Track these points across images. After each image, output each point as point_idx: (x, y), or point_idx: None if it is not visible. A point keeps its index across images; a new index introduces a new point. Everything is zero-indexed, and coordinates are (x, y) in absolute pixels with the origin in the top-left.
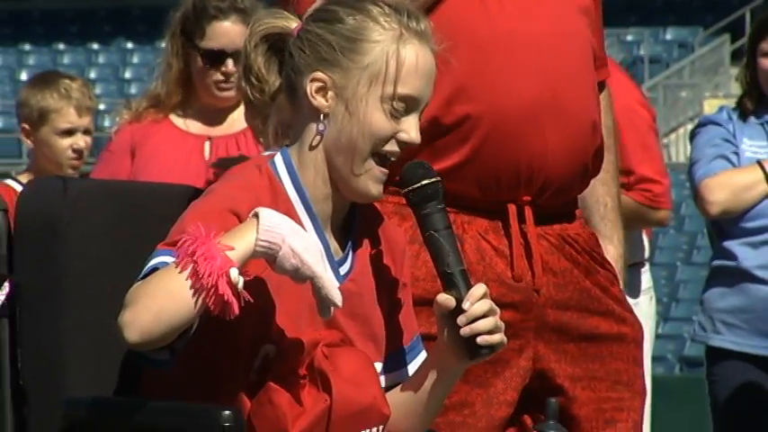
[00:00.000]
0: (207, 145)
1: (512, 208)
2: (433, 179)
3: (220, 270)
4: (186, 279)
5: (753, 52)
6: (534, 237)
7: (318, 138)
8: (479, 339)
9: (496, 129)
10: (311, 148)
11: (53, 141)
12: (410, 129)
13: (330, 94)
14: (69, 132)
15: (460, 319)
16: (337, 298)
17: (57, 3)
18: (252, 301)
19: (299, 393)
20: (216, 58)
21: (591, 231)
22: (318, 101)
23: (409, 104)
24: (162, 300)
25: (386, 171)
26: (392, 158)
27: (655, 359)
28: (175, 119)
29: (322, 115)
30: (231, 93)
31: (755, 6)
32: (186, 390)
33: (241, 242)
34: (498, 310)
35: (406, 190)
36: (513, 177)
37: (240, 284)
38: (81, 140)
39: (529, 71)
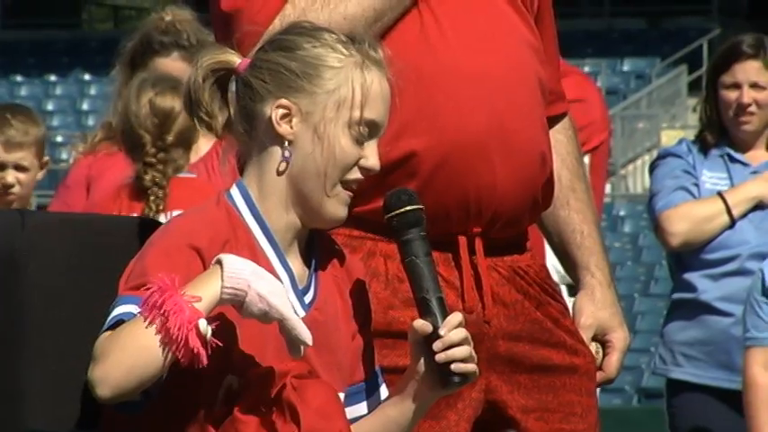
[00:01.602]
0: None
1: (462, 240)
2: (417, 206)
3: (189, 323)
4: (156, 333)
5: (713, 85)
6: (484, 268)
7: (284, 164)
8: (454, 366)
9: (444, 163)
10: (278, 173)
11: None
12: (371, 155)
13: (295, 120)
14: None
15: (436, 345)
16: (308, 338)
17: (14, 34)
18: (221, 345)
19: (266, 425)
20: None
21: (542, 263)
22: (283, 128)
23: (372, 130)
24: (132, 355)
25: (350, 194)
26: (354, 185)
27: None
28: None
29: (286, 142)
30: None
31: (713, 37)
32: (149, 423)
33: (206, 291)
34: (472, 342)
35: (389, 215)
36: (462, 210)
37: (209, 335)
38: (9, 176)
39: (474, 105)
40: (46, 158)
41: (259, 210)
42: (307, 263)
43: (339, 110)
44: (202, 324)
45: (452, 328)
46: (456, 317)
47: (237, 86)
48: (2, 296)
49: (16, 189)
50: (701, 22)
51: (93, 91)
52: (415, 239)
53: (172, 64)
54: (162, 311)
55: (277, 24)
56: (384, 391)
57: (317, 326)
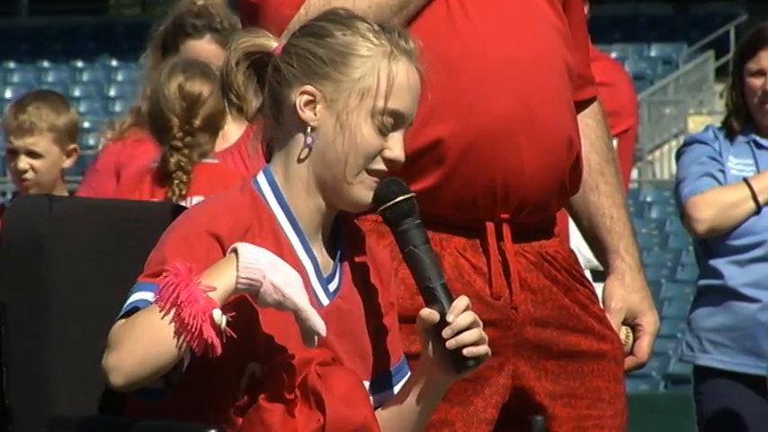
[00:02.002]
0: None
1: (489, 226)
2: (408, 195)
3: (204, 313)
4: (170, 323)
5: (739, 72)
6: (512, 254)
7: (306, 150)
8: (465, 351)
9: (471, 149)
10: (299, 161)
11: (6, 161)
12: (395, 146)
13: (319, 107)
14: (12, 153)
15: (445, 332)
16: (321, 328)
17: (40, 20)
18: (235, 336)
19: (291, 412)
20: None
21: (570, 249)
22: (307, 114)
23: (397, 121)
24: (146, 344)
25: (376, 179)
26: (379, 175)
27: (639, 376)
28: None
29: (310, 128)
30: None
31: (740, 23)
32: (173, 410)
33: (221, 280)
34: (481, 323)
35: (381, 208)
36: (489, 196)
37: (223, 324)
38: (21, 162)
39: (501, 90)
40: (73, 146)
41: (285, 196)
42: (332, 251)
43: (363, 99)
44: (217, 314)
45: (459, 313)
46: (462, 301)
47: (270, 70)
48: (28, 282)
49: (30, 175)
50: (728, 7)
51: (120, 77)
52: (411, 229)
53: (204, 46)
54: (176, 301)
55: (302, 13)
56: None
57: (340, 314)
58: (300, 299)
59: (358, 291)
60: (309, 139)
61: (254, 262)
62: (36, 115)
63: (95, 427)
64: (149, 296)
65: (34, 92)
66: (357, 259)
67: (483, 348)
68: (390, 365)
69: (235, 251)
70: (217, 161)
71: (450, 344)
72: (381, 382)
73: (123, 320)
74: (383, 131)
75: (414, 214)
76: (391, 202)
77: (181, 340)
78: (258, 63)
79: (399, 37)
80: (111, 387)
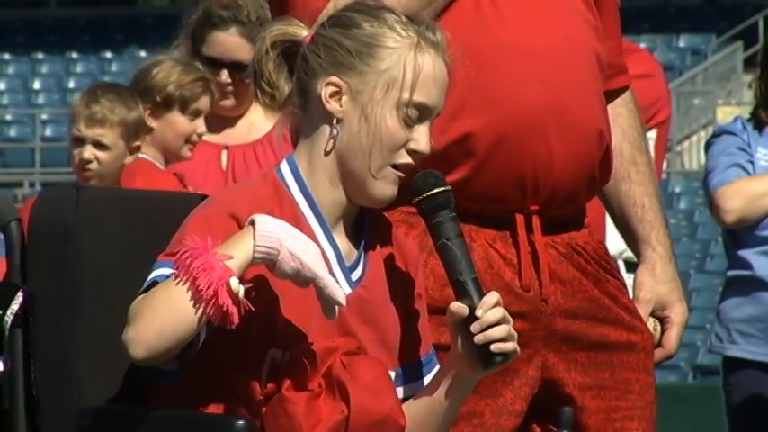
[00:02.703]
0: (224, 154)
1: (519, 218)
2: (445, 188)
3: (220, 280)
4: (186, 292)
5: (767, 63)
6: (542, 246)
7: (332, 142)
8: (493, 347)
9: (500, 142)
10: (325, 152)
11: (70, 148)
12: (421, 138)
13: (344, 98)
14: (79, 141)
15: (474, 327)
16: (341, 296)
17: (69, 11)
18: (253, 309)
19: (315, 402)
20: (210, 66)
21: (599, 240)
22: (332, 105)
23: (422, 113)
24: (164, 315)
25: (401, 174)
26: (404, 169)
27: (668, 367)
28: None
29: (335, 120)
30: (227, 102)
31: None
32: (197, 399)
33: (239, 250)
34: (511, 319)
35: (417, 199)
36: (519, 189)
37: (241, 293)
38: (86, 151)
39: (530, 82)
40: (137, 143)
41: (307, 185)
42: (356, 241)
43: (388, 91)
44: (234, 282)
45: (489, 309)
46: (492, 296)
47: (299, 60)
48: (56, 271)
49: (93, 165)
50: None
51: None
52: (446, 221)
53: (229, 38)
54: (193, 270)
55: (331, 6)
56: (432, 374)
57: (363, 303)
58: (318, 267)
59: (383, 281)
60: (335, 131)
61: (272, 231)
62: (108, 108)
63: (125, 418)
64: (168, 271)
65: (106, 83)
66: (382, 249)
67: (511, 345)
68: (420, 355)
69: (252, 222)
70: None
71: (479, 339)
72: (411, 372)
73: (142, 296)
74: (408, 123)
75: (449, 207)
76: (427, 194)
77: (198, 308)
78: (288, 52)
79: (427, 29)
80: (131, 361)
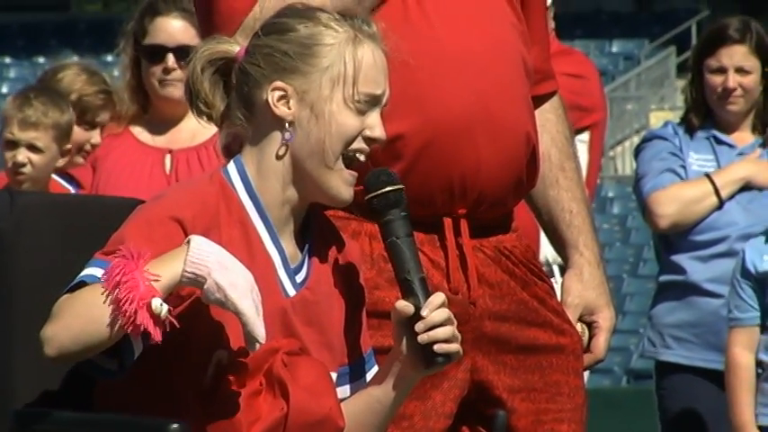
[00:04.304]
0: (168, 158)
1: (447, 221)
2: (397, 186)
3: (141, 300)
4: (108, 305)
5: (699, 68)
6: (470, 249)
7: (284, 147)
8: (436, 347)
9: (428, 145)
10: (277, 157)
11: (3, 151)
12: (375, 125)
13: (292, 101)
14: (12, 144)
15: (419, 326)
16: (260, 335)
17: (3, 17)
18: (178, 326)
19: (255, 400)
20: (156, 53)
21: (527, 244)
22: (281, 109)
23: (372, 101)
24: (82, 321)
25: (354, 174)
26: (360, 158)
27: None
28: (136, 132)
29: (287, 123)
30: (174, 90)
31: (701, 18)
32: (138, 400)
33: (168, 270)
34: (455, 321)
35: (369, 196)
36: (447, 192)
37: (163, 313)
38: (20, 155)
39: (458, 86)
40: (68, 146)
41: (254, 187)
42: (301, 243)
43: (334, 86)
44: (155, 303)
45: (435, 309)
46: (438, 297)
47: (236, 74)
48: None
49: (27, 169)
50: (690, 3)
51: None
52: (396, 220)
53: (172, 23)
54: (117, 284)
55: (257, 10)
56: (371, 375)
57: (307, 305)
58: (243, 303)
59: (328, 282)
60: (288, 135)
61: (202, 258)
62: (42, 111)
63: (60, 422)
64: (97, 272)
65: (37, 87)
66: (327, 251)
67: (454, 346)
68: (351, 361)
69: (188, 243)
70: None
71: (422, 338)
72: (355, 371)
73: (68, 294)
74: (361, 112)
75: (400, 206)
76: (379, 192)
77: (115, 324)
78: (223, 69)
79: (362, 22)
80: (45, 357)
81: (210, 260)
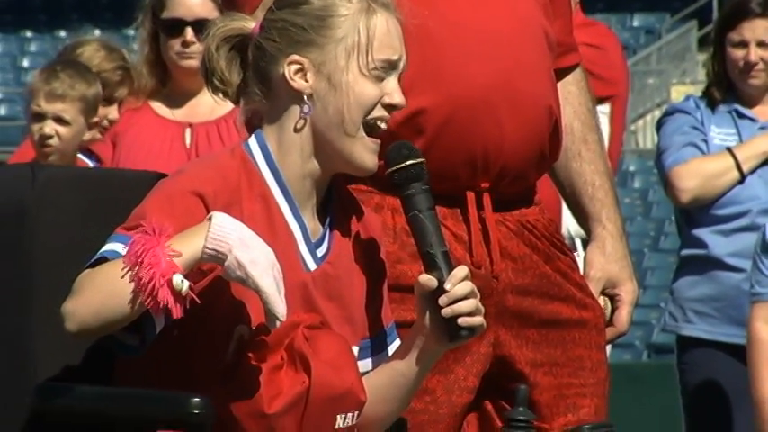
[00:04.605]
0: (188, 132)
1: (470, 195)
2: (418, 159)
3: (162, 277)
4: (129, 282)
5: (720, 42)
6: (492, 223)
7: (303, 120)
8: (460, 320)
9: (450, 119)
10: (296, 130)
11: (29, 125)
12: (394, 92)
13: (309, 74)
14: (39, 117)
15: (442, 300)
16: (281, 313)
17: None
18: (199, 302)
19: (276, 374)
20: (174, 27)
21: (550, 217)
22: (298, 83)
23: (388, 67)
24: (103, 297)
25: (377, 141)
26: (382, 125)
27: (622, 346)
28: (155, 106)
29: (305, 96)
30: (192, 63)
31: None
32: (160, 375)
33: (189, 247)
34: (479, 294)
35: (390, 170)
36: (469, 167)
37: (185, 289)
38: (47, 127)
39: (480, 60)
40: (96, 119)
41: (276, 161)
42: (322, 217)
43: (350, 56)
44: (176, 279)
45: (458, 282)
46: (461, 270)
47: (252, 50)
48: (11, 251)
49: (54, 141)
50: None
51: None
52: (418, 193)
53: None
54: (139, 260)
55: None
56: (394, 348)
57: (328, 279)
58: (263, 280)
59: (348, 256)
60: (306, 108)
61: (224, 235)
62: (69, 83)
63: (81, 396)
64: (119, 247)
65: (64, 60)
66: (348, 225)
67: (478, 319)
68: (372, 335)
69: (210, 219)
70: None
71: (446, 312)
72: (377, 344)
73: (89, 270)
74: (379, 79)
75: (422, 179)
76: (400, 165)
77: (136, 299)
78: (239, 46)
79: None
80: (66, 333)
81: (232, 237)
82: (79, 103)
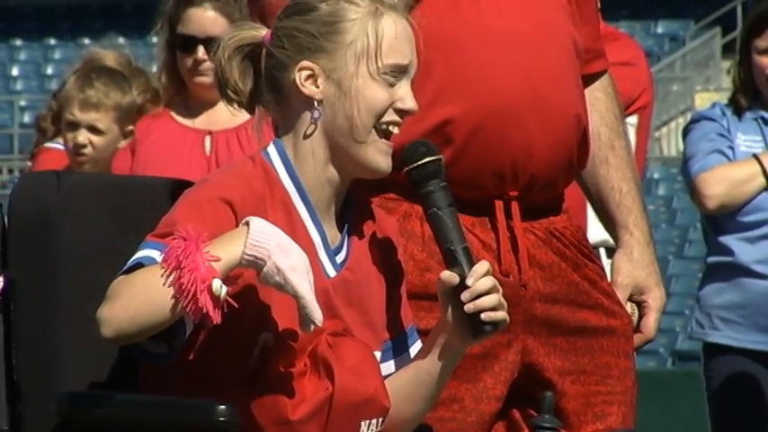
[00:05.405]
0: (207, 140)
1: (498, 204)
2: (435, 157)
3: (203, 282)
4: (168, 286)
5: (746, 49)
6: (521, 231)
7: (313, 126)
8: (483, 316)
9: (478, 129)
10: (306, 137)
11: (63, 133)
12: (405, 97)
13: (320, 80)
14: (73, 126)
15: (464, 296)
16: (318, 318)
17: None
18: (236, 306)
19: (300, 381)
20: (187, 44)
21: (578, 225)
22: (309, 89)
23: (398, 72)
24: (140, 302)
25: (390, 144)
26: (394, 130)
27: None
28: (175, 114)
29: (316, 102)
30: (205, 79)
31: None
32: (184, 382)
33: (227, 253)
34: (500, 288)
35: (407, 168)
36: (498, 175)
37: (223, 295)
38: (81, 135)
39: (507, 68)
40: (131, 128)
41: (295, 169)
42: (340, 223)
43: (360, 61)
44: (216, 284)
45: (480, 278)
46: (483, 265)
47: (264, 58)
48: (38, 257)
49: (88, 150)
50: None
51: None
52: (436, 190)
53: (203, 14)
54: (178, 265)
55: None
56: (415, 350)
57: (348, 285)
58: (302, 286)
59: (367, 261)
60: (317, 113)
61: (263, 241)
62: (104, 92)
63: (106, 403)
64: (154, 254)
65: (99, 67)
66: (365, 230)
67: (501, 314)
68: (393, 336)
69: (247, 224)
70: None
71: (469, 308)
72: (399, 346)
73: (124, 276)
74: (391, 84)
75: (440, 176)
76: (418, 163)
77: (175, 304)
78: (251, 55)
79: None
80: (101, 339)
81: (271, 243)
82: (113, 112)
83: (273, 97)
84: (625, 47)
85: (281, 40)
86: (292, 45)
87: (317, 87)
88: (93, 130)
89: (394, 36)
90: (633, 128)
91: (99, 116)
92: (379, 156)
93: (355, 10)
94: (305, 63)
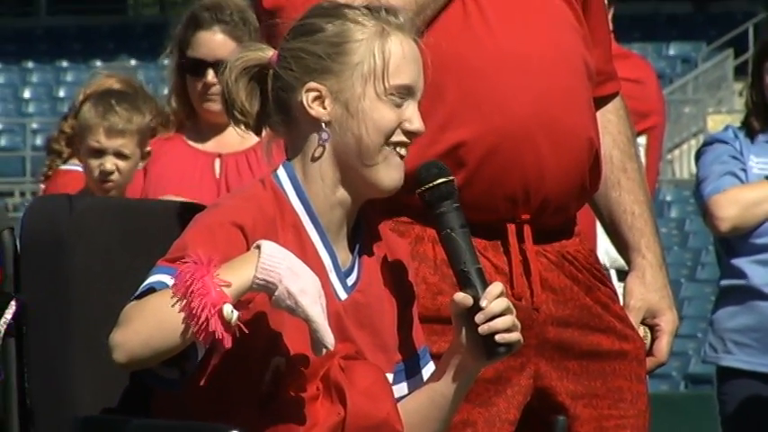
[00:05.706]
0: (217, 163)
1: (510, 227)
2: (448, 178)
3: (213, 306)
4: (179, 311)
5: (759, 71)
6: (533, 255)
7: (321, 148)
8: (498, 337)
9: (491, 152)
10: (314, 159)
11: (85, 160)
12: (413, 117)
13: (327, 101)
14: (98, 153)
15: (478, 317)
16: (330, 342)
17: (60, 20)
18: (247, 331)
19: (312, 405)
20: (196, 67)
21: (590, 248)
22: (316, 110)
23: (405, 93)
24: (152, 327)
25: (403, 154)
26: (401, 152)
27: (660, 376)
28: (186, 136)
29: (324, 124)
30: (214, 106)
31: (759, 21)
32: (197, 406)
33: (238, 277)
34: (514, 310)
35: (420, 189)
36: (510, 199)
37: (234, 319)
38: (108, 162)
39: (520, 91)
40: (148, 148)
41: (304, 191)
42: (352, 245)
43: (367, 82)
44: (227, 309)
45: (493, 299)
46: (496, 287)
47: (271, 80)
48: (50, 280)
49: (115, 176)
50: (747, 5)
51: (139, 76)
52: (449, 212)
53: (213, 38)
54: (189, 290)
55: None
56: (428, 372)
57: (359, 307)
58: (313, 309)
59: (378, 283)
60: (325, 135)
61: (274, 265)
62: (126, 117)
63: (119, 427)
64: (166, 278)
65: (113, 91)
66: (376, 251)
67: (515, 336)
68: (406, 358)
69: (258, 248)
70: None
71: (483, 329)
72: (411, 367)
73: (136, 301)
74: (397, 105)
75: (452, 197)
76: (431, 184)
77: (186, 329)
78: (257, 77)
79: (388, 13)
80: (114, 364)
81: (282, 267)
82: (137, 136)
83: (281, 119)
84: (636, 66)
85: (288, 61)
86: (299, 66)
87: (325, 109)
88: (120, 155)
89: (401, 56)
90: (642, 148)
91: (125, 141)
92: (392, 171)
93: (362, 30)
94: (312, 84)
